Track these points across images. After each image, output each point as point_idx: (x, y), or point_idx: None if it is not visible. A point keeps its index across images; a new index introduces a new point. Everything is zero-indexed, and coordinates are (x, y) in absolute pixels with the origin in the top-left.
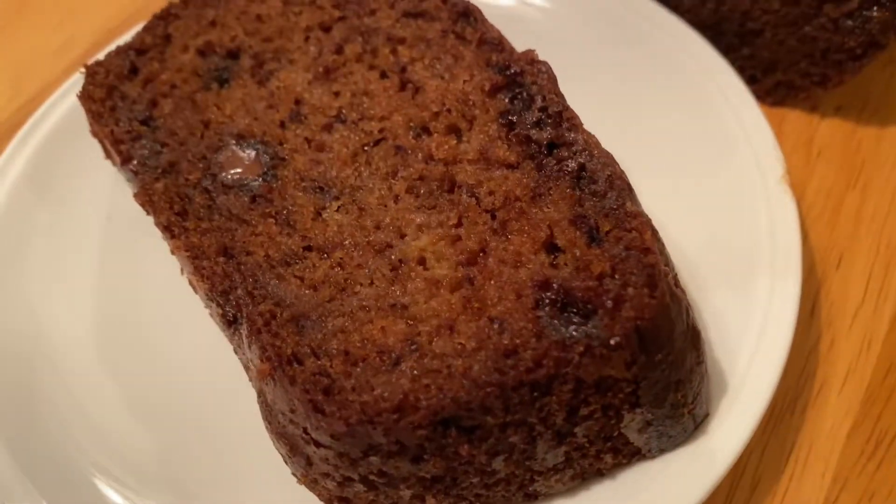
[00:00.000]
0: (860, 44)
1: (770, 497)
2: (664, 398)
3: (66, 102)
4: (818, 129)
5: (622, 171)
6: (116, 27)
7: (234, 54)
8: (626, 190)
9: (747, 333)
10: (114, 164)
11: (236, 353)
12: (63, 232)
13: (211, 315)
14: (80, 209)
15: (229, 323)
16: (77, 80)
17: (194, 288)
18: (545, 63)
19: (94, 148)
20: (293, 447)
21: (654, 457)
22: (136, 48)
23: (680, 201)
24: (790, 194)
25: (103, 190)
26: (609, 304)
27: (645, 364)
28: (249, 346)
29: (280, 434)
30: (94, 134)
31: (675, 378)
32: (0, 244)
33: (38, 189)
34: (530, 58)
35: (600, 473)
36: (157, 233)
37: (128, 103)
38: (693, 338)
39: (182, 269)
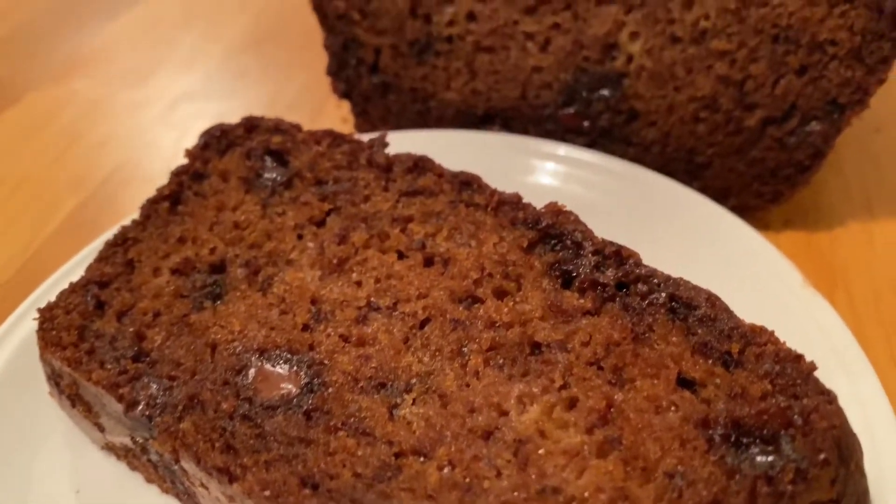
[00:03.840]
0: (806, 156)
1: None
2: None
3: None
4: (780, 243)
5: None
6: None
7: (219, 267)
8: (728, 308)
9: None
10: (77, 418)
11: None
12: None
13: None
14: (40, 488)
15: None
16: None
17: None
18: (572, 212)
19: (46, 413)
20: None
21: None
22: (97, 281)
23: None
24: (820, 296)
25: (63, 460)
26: (799, 420)
27: (844, 476)
28: None
29: None
30: (61, 387)
31: (863, 487)
32: None
33: None
34: (556, 209)
35: None
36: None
37: (107, 342)
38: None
39: None
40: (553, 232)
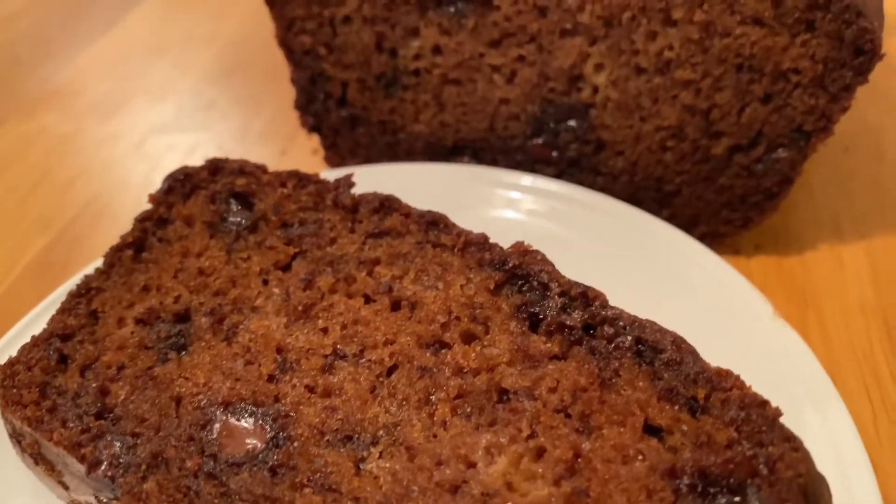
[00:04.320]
0: (774, 183)
1: None
2: None
3: None
4: (750, 269)
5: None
6: None
7: (183, 316)
8: (694, 351)
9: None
10: (41, 476)
11: None
12: None
13: None
14: None
15: None
16: None
17: None
18: (539, 251)
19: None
20: None
21: None
22: (59, 334)
23: None
24: (789, 327)
25: None
26: (764, 469)
27: None
28: None
29: None
30: (22, 446)
31: None
32: None
33: None
34: (523, 249)
35: None
36: None
37: (69, 399)
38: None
39: None
40: (520, 272)
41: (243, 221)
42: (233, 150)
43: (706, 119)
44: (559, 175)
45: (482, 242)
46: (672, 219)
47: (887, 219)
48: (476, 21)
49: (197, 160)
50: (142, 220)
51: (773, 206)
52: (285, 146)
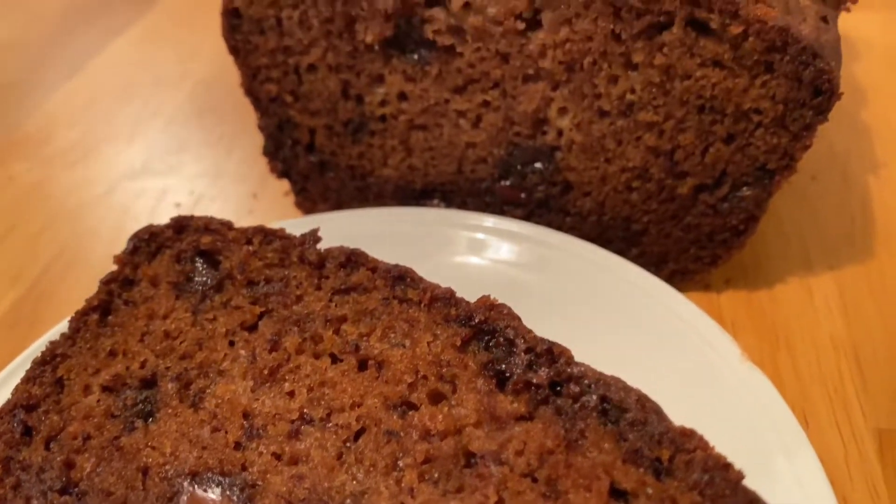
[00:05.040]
0: (740, 221)
1: None
2: None
3: None
4: (721, 305)
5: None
6: None
7: (150, 382)
8: (659, 409)
9: None
10: None
11: None
12: None
13: None
14: None
15: None
16: None
17: None
18: (505, 305)
19: None
20: None
21: None
22: (24, 405)
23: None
24: (757, 370)
25: None
26: None
27: None
28: None
29: None
30: None
31: None
32: None
33: None
34: (489, 303)
35: None
36: None
37: (33, 474)
38: None
39: None
40: (486, 328)
41: (209, 281)
42: (204, 193)
43: (670, 160)
44: (528, 216)
45: (448, 297)
46: (641, 257)
47: (856, 248)
48: (440, 68)
49: (168, 206)
50: (107, 282)
51: (740, 243)
52: (257, 189)
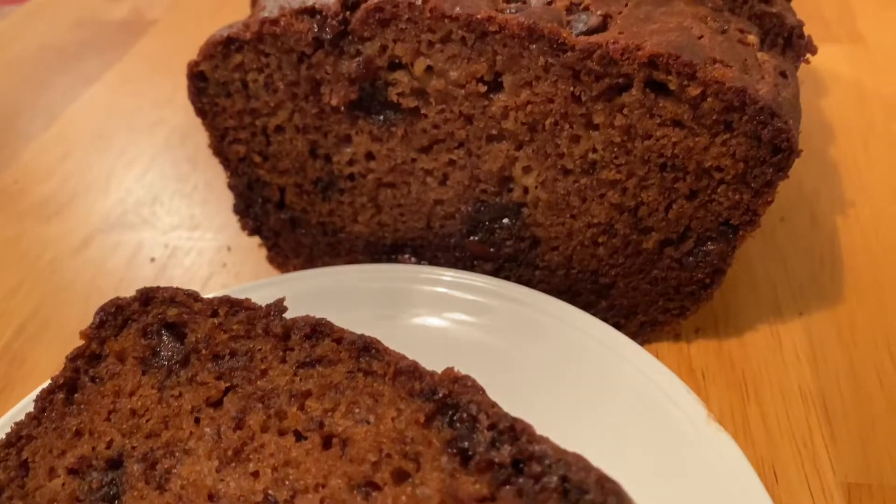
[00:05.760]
0: (706, 274)
1: None
2: None
3: None
4: (691, 355)
5: (602, 471)
6: None
7: (116, 463)
8: (619, 490)
9: None
10: None
11: None
12: None
13: None
14: None
15: None
16: None
17: None
18: (469, 377)
19: None
20: None
21: None
22: None
23: (621, 472)
24: (724, 432)
25: None
26: None
27: None
28: None
29: None
30: None
31: None
32: None
33: None
34: (453, 376)
35: None
36: None
37: None
38: None
39: None
40: (450, 402)
41: (175, 355)
42: (179, 246)
43: (635, 216)
44: (498, 270)
45: (412, 370)
46: (610, 309)
47: (824, 292)
48: (405, 129)
49: (143, 261)
50: (73, 358)
51: (707, 295)
52: (231, 241)
